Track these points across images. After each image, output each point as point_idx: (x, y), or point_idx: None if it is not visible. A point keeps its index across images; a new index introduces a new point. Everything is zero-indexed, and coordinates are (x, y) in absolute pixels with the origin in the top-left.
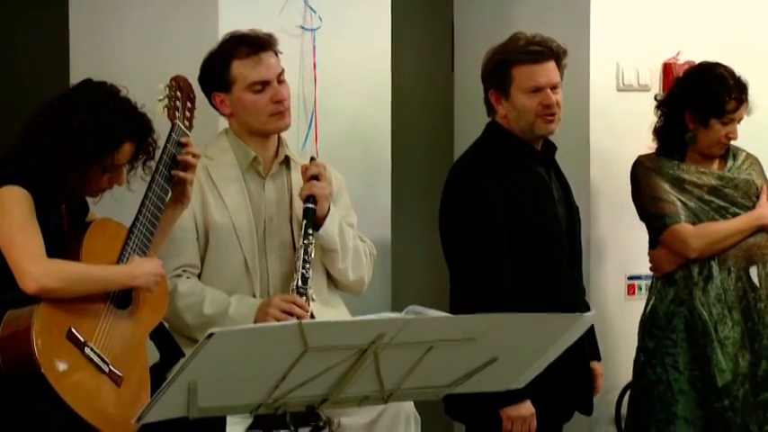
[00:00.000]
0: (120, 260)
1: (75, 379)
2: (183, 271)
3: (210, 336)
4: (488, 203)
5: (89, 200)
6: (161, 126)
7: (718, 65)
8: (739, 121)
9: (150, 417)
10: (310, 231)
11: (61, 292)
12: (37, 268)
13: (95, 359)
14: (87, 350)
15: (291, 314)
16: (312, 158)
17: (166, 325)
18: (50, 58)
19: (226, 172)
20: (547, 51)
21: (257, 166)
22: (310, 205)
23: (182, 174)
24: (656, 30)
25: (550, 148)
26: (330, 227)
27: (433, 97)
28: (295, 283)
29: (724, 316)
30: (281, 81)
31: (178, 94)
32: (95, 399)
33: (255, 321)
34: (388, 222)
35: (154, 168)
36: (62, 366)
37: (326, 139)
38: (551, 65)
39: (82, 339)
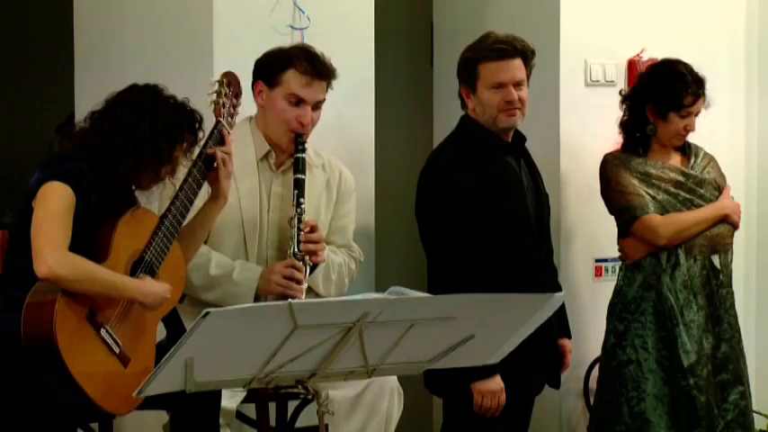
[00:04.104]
0: (145, 250)
1: (86, 356)
2: None
3: (206, 315)
4: (460, 192)
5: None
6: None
7: (678, 62)
8: (697, 115)
9: (150, 390)
10: (302, 201)
11: (68, 283)
12: (53, 255)
13: (109, 341)
14: (103, 332)
15: (292, 279)
16: (312, 227)
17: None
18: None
19: (242, 158)
20: (511, 49)
21: (270, 159)
22: (301, 176)
23: (218, 168)
24: (621, 29)
25: (520, 138)
26: (316, 277)
27: (414, 91)
28: (291, 251)
29: (689, 301)
30: (315, 108)
31: (227, 90)
32: (101, 376)
33: (259, 288)
34: (372, 210)
35: (192, 162)
36: (76, 343)
37: (314, 131)
38: (516, 63)
39: (99, 321)
